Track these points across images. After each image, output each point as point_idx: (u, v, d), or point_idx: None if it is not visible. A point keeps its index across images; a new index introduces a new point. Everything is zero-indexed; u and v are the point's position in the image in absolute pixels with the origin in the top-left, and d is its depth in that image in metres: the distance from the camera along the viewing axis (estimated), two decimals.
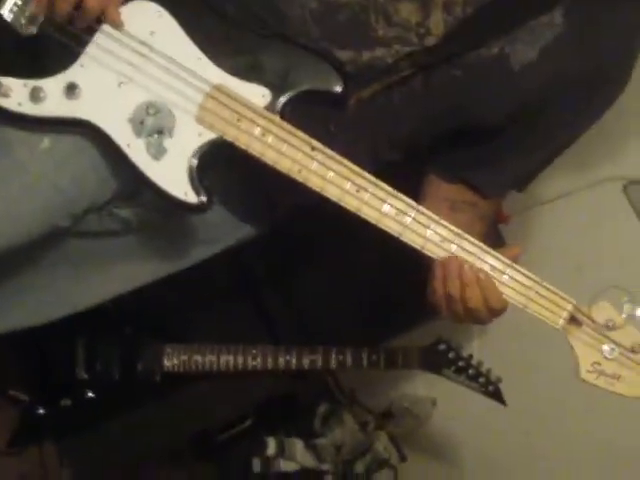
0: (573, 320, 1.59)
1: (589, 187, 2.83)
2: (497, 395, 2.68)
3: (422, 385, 3.15)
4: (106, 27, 1.66)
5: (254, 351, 2.68)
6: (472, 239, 1.62)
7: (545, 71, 1.66)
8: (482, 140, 1.78)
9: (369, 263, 2.77)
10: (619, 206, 2.82)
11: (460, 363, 2.68)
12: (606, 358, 1.58)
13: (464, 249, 1.61)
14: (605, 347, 1.58)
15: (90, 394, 2.66)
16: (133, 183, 1.76)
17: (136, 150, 1.66)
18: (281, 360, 2.67)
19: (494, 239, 2.63)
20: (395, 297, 2.74)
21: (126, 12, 1.67)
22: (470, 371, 2.67)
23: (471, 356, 2.70)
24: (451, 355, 2.68)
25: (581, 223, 2.90)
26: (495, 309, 1.63)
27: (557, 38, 1.64)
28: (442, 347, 2.68)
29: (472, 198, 1.85)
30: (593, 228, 2.88)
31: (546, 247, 2.93)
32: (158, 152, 1.66)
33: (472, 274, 1.61)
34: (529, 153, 1.82)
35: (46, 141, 1.72)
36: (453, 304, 1.65)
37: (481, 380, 2.67)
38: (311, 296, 2.85)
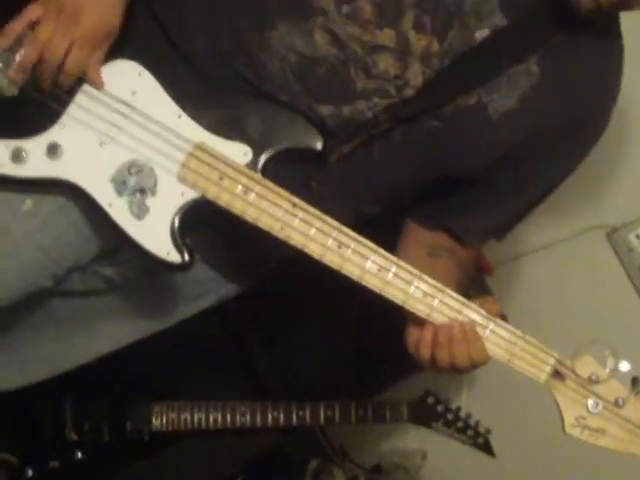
0: (557, 374, 1.59)
1: (573, 236, 2.84)
2: (486, 447, 2.68)
3: (412, 438, 3.12)
4: (87, 87, 1.66)
5: (242, 408, 2.67)
6: (454, 294, 1.61)
7: (523, 119, 1.67)
8: (462, 188, 1.78)
9: (354, 317, 2.76)
10: (603, 254, 2.82)
11: (449, 416, 2.68)
12: (590, 412, 1.57)
13: (446, 304, 1.60)
14: (589, 401, 1.57)
15: (79, 455, 2.64)
16: (116, 241, 1.75)
17: (118, 210, 1.65)
18: (270, 416, 2.67)
19: (480, 290, 2.63)
20: (381, 350, 2.73)
21: (107, 72, 1.67)
22: (459, 423, 2.67)
23: (459, 408, 2.69)
24: (439, 408, 2.68)
25: (565, 273, 2.90)
26: (477, 362, 1.63)
27: (533, 86, 1.65)
28: (430, 400, 2.69)
29: (450, 245, 1.85)
30: (578, 278, 2.88)
31: (531, 298, 2.93)
32: (140, 211, 1.65)
33: (462, 332, 1.60)
34: (509, 202, 1.83)
35: (28, 202, 1.71)
36: (437, 363, 1.65)
37: (470, 432, 2.67)
38: (298, 352, 2.84)
